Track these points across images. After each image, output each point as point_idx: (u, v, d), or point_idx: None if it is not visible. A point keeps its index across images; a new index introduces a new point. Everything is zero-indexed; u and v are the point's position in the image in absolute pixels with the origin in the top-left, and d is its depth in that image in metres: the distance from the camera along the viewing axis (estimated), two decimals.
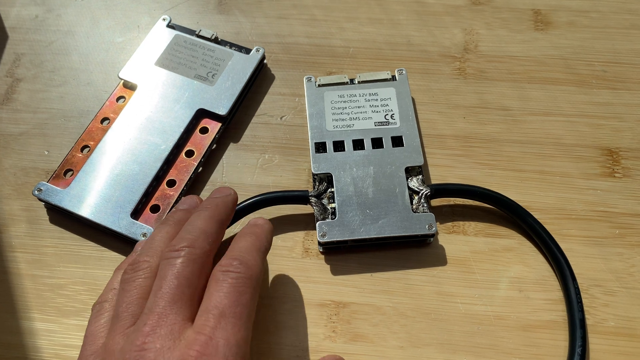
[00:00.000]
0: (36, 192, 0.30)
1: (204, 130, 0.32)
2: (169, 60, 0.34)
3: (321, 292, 0.28)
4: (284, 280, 0.29)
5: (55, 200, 0.29)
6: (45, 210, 0.31)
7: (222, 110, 0.32)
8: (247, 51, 0.35)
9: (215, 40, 0.35)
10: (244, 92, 0.34)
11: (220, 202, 0.26)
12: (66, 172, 0.31)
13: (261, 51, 0.34)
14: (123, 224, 0.29)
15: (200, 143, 0.32)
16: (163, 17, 0.35)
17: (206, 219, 0.25)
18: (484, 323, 0.27)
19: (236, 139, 0.33)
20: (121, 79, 0.33)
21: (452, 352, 0.26)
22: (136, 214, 0.29)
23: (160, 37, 0.35)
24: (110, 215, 0.29)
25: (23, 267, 0.29)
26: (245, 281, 0.22)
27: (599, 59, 0.35)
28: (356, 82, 0.33)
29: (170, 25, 0.35)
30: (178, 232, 0.25)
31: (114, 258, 0.29)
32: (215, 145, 0.32)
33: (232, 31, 0.36)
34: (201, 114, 0.32)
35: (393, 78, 0.33)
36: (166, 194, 0.30)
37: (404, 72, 0.33)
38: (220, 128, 0.32)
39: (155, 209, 0.30)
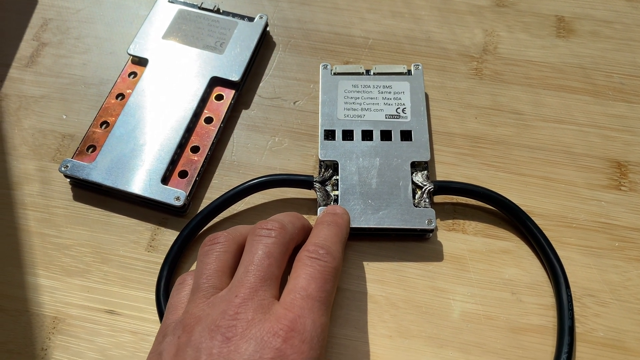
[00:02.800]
0: (63, 169, 0.30)
1: (219, 98, 0.33)
2: (176, 33, 0.35)
3: None
4: None
5: (83, 175, 0.30)
6: (67, 184, 0.31)
7: (235, 77, 0.33)
8: (250, 19, 0.35)
9: (218, 11, 0.36)
10: (253, 58, 0.35)
11: (303, 219, 0.27)
12: (88, 148, 0.31)
13: (264, 18, 0.35)
14: (155, 191, 0.30)
15: (217, 109, 0.33)
16: None
17: (291, 215, 0.26)
18: (474, 321, 0.27)
19: (247, 117, 0.34)
20: (130, 55, 0.34)
21: (439, 346, 0.27)
22: (165, 180, 0.30)
23: (163, 12, 0.36)
24: (141, 183, 0.30)
25: (33, 225, 0.30)
26: (330, 270, 0.24)
27: (619, 70, 0.35)
28: (372, 73, 0.33)
29: (171, 1, 0.36)
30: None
31: (120, 223, 0.30)
32: (230, 113, 0.33)
33: (255, 13, 0.36)
34: (214, 82, 0.33)
35: (409, 72, 0.33)
36: (191, 160, 0.31)
37: (420, 67, 0.33)
38: (234, 95, 0.33)
39: (183, 174, 0.31)
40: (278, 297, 0.23)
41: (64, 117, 0.34)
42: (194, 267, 0.29)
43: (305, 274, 0.23)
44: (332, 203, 0.29)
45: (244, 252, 0.24)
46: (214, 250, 0.25)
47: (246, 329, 0.21)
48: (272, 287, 0.23)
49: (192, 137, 0.32)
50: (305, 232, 0.27)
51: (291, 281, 0.23)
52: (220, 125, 0.32)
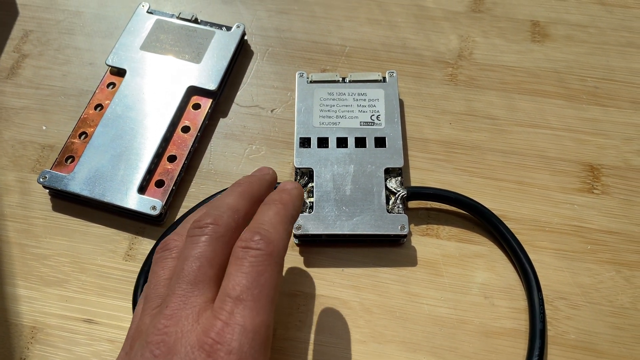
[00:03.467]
0: (41, 180, 0.31)
1: (197, 107, 0.34)
2: (154, 43, 0.35)
3: (292, 282, 0.29)
4: None
5: (61, 186, 0.30)
6: (47, 195, 0.32)
7: (212, 86, 0.33)
8: (228, 29, 0.36)
9: (195, 21, 0.36)
10: (230, 67, 0.35)
11: (255, 179, 0.26)
12: (67, 158, 0.32)
13: (242, 27, 0.36)
14: (132, 200, 0.30)
15: (195, 118, 0.33)
16: (142, 3, 0.37)
17: (236, 194, 0.24)
18: (447, 325, 0.28)
19: (225, 126, 0.34)
20: (109, 65, 0.34)
21: (413, 350, 0.27)
22: (142, 190, 0.31)
23: (141, 22, 0.36)
24: (118, 193, 0.30)
25: (12, 236, 0.31)
26: (265, 259, 0.21)
27: (593, 74, 0.35)
28: (347, 81, 0.34)
29: (149, 11, 0.36)
30: None
31: (98, 233, 0.31)
32: (207, 122, 0.34)
33: (233, 22, 0.37)
34: (192, 91, 0.34)
35: (383, 79, 0.34)
36: (168, 169, 0.31)
37: (394, 74, 0.34)
38: (211, 104, 0.34)
39: (160, 183, 0.31)
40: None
41: (44, 128, 0.34)
42: None
43: (236, 271, 0.21)
44: (307, 210, 0.30)
45: (178, 259, 0.23)
46: (164, 258, 0.23)
47: (173, 344, 0.20)
48: (206, 290, 0.21)
49: (169, 147, 0.32)
50: (261, 194, 0.25)
51: (223, 282, 0.21)
52: (197, 134, 0.32)
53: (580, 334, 0.27)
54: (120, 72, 0.34)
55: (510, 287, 0.29)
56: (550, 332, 0.28)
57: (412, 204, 0.31)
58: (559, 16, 0.37)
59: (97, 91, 0.34)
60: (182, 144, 0.32)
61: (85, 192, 0.30)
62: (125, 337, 0.23)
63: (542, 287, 0.28)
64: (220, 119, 0.34)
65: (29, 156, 0.33)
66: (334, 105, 0.33)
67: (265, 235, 0.22)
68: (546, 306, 0.28)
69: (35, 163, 0.33)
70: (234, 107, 0.35)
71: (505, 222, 0.29)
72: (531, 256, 0.29)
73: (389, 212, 0.29)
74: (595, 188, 0.31)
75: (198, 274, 0.21)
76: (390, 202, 0.30)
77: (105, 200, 0.30)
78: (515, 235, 0.29)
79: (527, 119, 0.34)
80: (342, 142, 0.31)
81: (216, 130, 0.34)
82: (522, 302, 0.28)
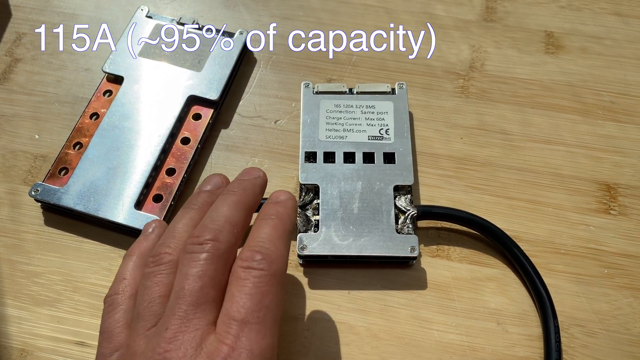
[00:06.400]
0: (33, 193, 0.29)
1: (197, 117, 0.32)
2: (153, 49, 0.34)
3: (296, 305, 0.28)
4: None
5: (54, 200, 0.29)
6: (39, 208, 0.30)
7: (213, 95, 0.32)
8: (231, 35, 0.34)
9: (197, 27, 0.34)
10: (232, 75, 0.33)
11: (248, 185, 0.24)
12: (60, 170, 0.30)
13: (244, 34, 0.34)
14: (128, 216, 0.28)
15: (195, 129, 0.32)
16: (141, 7, 0.35)
17: (232, 205, 0.23)
18: (457, 353, 0.26)
19: (227, 137, 0.33)
20: (105, 72, 0.33)
21: None
22: (139, 205, 0.29)
23: (140, 27, 0.34)
24: (113, 208, 0.29)
25: (1, 251, 0.29)
26: (268, 279, 0.21)
27: (608, 89, 0.34)
28: (355, 92, 0.32)
29: (148, 16, 0.35)
30: (202, 217, 0.23)
31: (92, 250, 0.29)
32: (208, 133, 0.32)
33: (235, 28, 0.35)
34: (192, 100, 0.32)
35: (392, 91, 0.32)
36: (166, 183, 0.30)
37: (404, 86, 0.32)
38: (212, 114, 0.32)
39: (157, 198, 0.30)
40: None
41: (37, 137, 0.33)
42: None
43: (239, 292, 0.20)
44: (312, 229, 0.28)
45: (177, 272, 0.21)
46: (157, 273, 0.22)
47: None
48: (208, 311, 0.20)
49: (167, 159, 0.31)
50: (255, 203, 0.24)
51: (225, 303, 0.21)
52: (197, 146, 0.31)
53: None
54: (117, 80, 0.33)
55: (524, 313, 0.27)
56: None
57: (422, 223, 0.30)
58: (574, 27, 0.36)
59: (92, 99, 0.33)
60: (182, 157, 0.31)
61: (79, 207, 0.29)
62: (98, 356, 0.21)
63: (557, 312, 0.27)
64: (222, 129, 0.33)
65: (20, 167, 0.32)
66: (340, 118, 0.31)
67: (267, 254, 0.21)
68: (562, 334, 0.27)
69: (27, 174, 0.31)
70: (236, 117, 0.33)
71: (518, 244, 0.28)
72: (546, 280, 0.27)
73: (398, 233, 0.28)
74: (612, 209, 0.30)
75: (200, 294, 0.20)
76: (400, 221, 0.28)
77: (100, 216, 0.28)
78: (529, 257, 0.28)
79: (541, 134, 0.32)
80: (349, 157, 0.30)
81: (217, 141, 0.32)
82: (536, 329, 0.27)
